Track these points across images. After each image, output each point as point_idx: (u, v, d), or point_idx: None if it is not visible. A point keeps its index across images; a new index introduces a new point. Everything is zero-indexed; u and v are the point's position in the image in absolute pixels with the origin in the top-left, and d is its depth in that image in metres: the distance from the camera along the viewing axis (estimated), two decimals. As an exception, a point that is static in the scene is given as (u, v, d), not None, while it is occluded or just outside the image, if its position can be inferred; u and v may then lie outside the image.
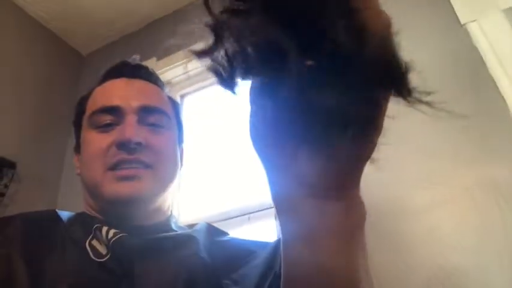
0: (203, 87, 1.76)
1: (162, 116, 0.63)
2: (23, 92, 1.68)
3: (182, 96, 1.81)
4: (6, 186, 1.44)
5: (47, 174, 1.68)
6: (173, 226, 0.63)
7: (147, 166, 0.58)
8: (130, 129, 0.57)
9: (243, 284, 0.52)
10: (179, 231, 0.62)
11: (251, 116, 0.25)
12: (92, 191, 0.59)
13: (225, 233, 0.66)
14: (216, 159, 1.57)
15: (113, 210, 0.58)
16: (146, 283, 0.48)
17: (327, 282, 0.27)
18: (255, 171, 1.38)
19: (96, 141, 0.59)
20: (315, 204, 0.25)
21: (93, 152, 0.58)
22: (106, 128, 0.59)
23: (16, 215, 0.55)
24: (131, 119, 0.59)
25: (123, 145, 0.57)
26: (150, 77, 0.67)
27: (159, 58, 1.77)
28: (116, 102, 0.60)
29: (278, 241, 0.56)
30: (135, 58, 0.69)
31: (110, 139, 0.58)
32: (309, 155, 0.24)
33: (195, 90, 1.79)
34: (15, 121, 1.61)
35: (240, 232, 1.26)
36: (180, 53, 1.73)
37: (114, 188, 0.55)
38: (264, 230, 1.24)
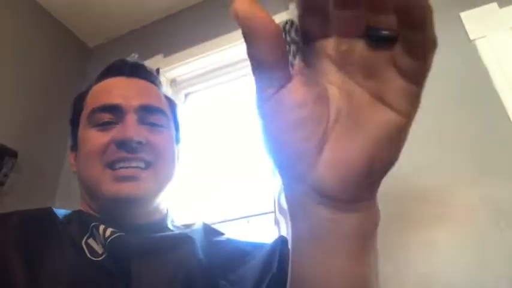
0: (209, 87, 1.76)
1: (161, 115, 0.63)
2: (26, 82, 1.68)
3: (187, 95, 1.81)
4: (6, 175, 1.43)
5: (48, 165, 1.68)
6: (169, 225, 0.63)
7: (148, 164, 0.58)
8: (131, 129, 0.57)
9: (241, 285, 0.52)
10: (176, 231, 0.62)
11: (264, 125, 0.25)
12: (90, 189, 0.58)
13: (221, 233, 0.66)
14: (218, 160, 1.57)
15: (111, 209, 0.57)
16: (143, 283, 0.48)
17: (335, 284, 0.27)
18: (258, 175, 1.38)
19: (95, 138, 0.58)
20: (331, 213, 0.26)
21: (91, 149, 0.58)
22: (105, 126, 0.59)
23: (12, 212, 0.54)
24: (131, 118, 0.59)
25: (123, 144, 0.56)
26: (149, 76, 0.67)
27: (166, 55, 1.77)
28: (116, 100, 0.60)
29: (276, 242, 0.56)
30: (134, 56, 0.70)
31: (109, 137, 0.57)
32: (329, 166, 0.24)
33: (202, 89, 1.79)
34: (18, 110, 1.61)
35: (239, 235, 1.26)
36: (187, 51, 1.72)
37: (113, 187, 0.55)
38: (264, 234, 1.24)
